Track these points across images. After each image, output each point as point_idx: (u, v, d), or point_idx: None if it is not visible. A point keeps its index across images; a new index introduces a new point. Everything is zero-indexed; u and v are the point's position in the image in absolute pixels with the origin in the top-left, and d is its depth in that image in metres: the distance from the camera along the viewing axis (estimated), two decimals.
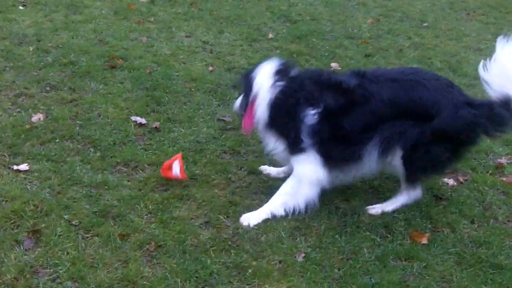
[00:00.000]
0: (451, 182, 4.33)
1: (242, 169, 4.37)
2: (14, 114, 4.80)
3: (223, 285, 3.27)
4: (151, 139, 4.65)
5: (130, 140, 4.59)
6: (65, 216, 3.67)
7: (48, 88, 5.27)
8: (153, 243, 3.51)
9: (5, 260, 3.31)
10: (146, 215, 3.77)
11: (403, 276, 3.43)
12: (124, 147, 4.49)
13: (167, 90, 5.43)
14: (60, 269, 3.27)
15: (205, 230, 3.69)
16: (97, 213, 3.73)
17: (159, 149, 4.50)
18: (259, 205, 3.92)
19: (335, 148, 3.79)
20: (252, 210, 3.86)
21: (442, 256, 3.62)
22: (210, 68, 6.05)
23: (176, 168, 4.02)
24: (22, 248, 3.41)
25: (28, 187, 3.92)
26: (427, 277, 3.44)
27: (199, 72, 5.91)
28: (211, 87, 5.62)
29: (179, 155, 4.12)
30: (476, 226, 3.94)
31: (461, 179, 4.40)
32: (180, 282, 3.24)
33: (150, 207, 3.83)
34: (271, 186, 4.12)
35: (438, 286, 3.39)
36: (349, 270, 3.42)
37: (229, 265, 3.41)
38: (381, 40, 7.35)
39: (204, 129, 4.88)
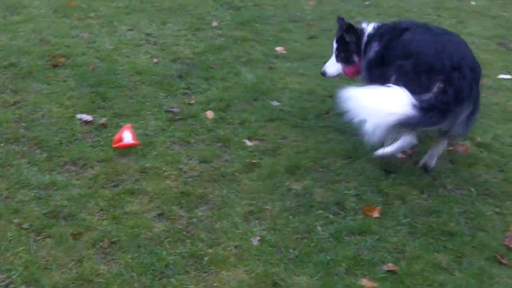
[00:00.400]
0: (399, 155, 4.41)
1: (193, 158, 4.36)
2: None
3: (179, 275, 3.26)
4: (98, 135, 4.58)
5: (77, 139, 4.51)
6: (15, 220, 3.60)
7: None
8: (106, 240, 3.48)
9: None
10: (98, 212, 3.72)
11: (358, 250, 3.49)
12: (71, 146, 4.41)
13: (112, 85, 5.36)
14: (13, 274, 3.20)
15: (158, 222, 3.67)
16: (48, 214, 3.67)
17: (107, 145, 4.44)
18: (212, 193, 3.94)
19: None
20: (205, 199, 3.87)
21: (394, 228, 3.69)
22: (155, 60, 5.99)
23: (128, 136, 4.11)
24: None
25: None
26: (381, 249, 3.51)
27: (143, 64, 5.86)
28: (157, 79, 5.57)
29: (128, 125, 4.16)
30: (426, 196, 4.03)
31: (409, 151, 4.48)
32: (136, 276, 3.23)
33: (101, 204, 3.79)
34: (223, 173, 4.14)
35: (392, 257, 3.46)
36: (304, 249, 3.47)
37: (185, 255, 3.41)
38: (324, 22, 7.41)
39: (152, 121, 4.83)
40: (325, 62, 4.87)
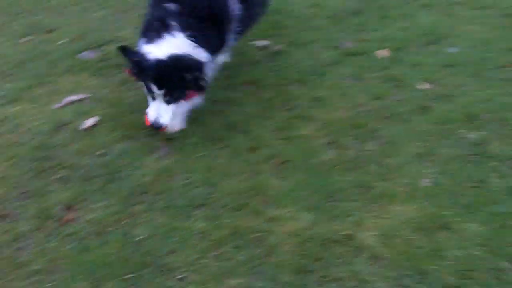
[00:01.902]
0: None
1: (365, 94, 4.35)
2: None
3: (348, 201, 3.33)
4: (274, 61, 4.71)
5: (255, 62, 4.69)
6: (198, 128, 3.84)
7: None
8: (279, 157, 3.62)
9: (143, 164, 3.53)
10: (272, 132, 3.87)
11: None
12: (249, 68, 4.59)
13: (288, 15, 5.45)
14: (195, 175, 3.45)
15: (329, 149, 3.74)
16: (227, 126, 3.88)
17: (282, 71, 4.56)
18: (383, 129, 3.93)
19: None
20: (375, 135, 3.87)
21: None
22: None
23: None
24: (158, 154, 3.62)
25: None
26: None
27: None
28: (332, 13, 5.58)
29: None
30: None
31: None
32: (306, 194, 3.34)
33: (276, 124, 3.93)
34: (394, 112, 4.10)
35: None
36: (477, 198, 3.36)
37: (354, 184, 3.45)
38: None
39: (325, 54, 4.87)
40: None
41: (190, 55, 3.51)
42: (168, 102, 3.58)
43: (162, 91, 3.52)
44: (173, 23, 3.50)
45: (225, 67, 4.52)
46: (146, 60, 3.45)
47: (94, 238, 3.02)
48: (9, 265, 2.85)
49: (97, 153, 3.59)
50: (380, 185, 3.45)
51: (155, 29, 3.51)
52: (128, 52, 3.54)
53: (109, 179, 3.41)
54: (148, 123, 3.63)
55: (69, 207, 3.21)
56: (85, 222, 3.11)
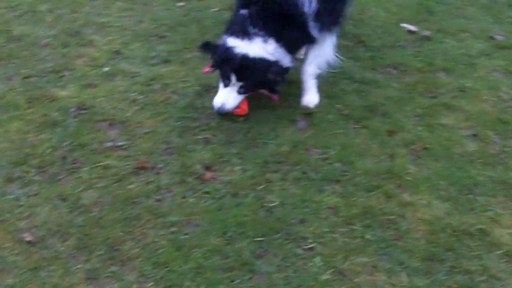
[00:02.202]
0: None
1: None
2: None
3: (486, 196, 3.22)
4: (420, 46, 4.61)
5: (400, 45, 4.60)
6: (336, 106, 3.86)
7: None
8: (419, 144, 3.56)
9: (281, 134, 3.61)
10: (413, 117, 3.80)
11: None
12: (393, 51, 4.52)
13: (440, 1, 5.29)
14: (330, 151, 3.48)
15: (471, 142, 3.63)
16: (366, 107, 3.86)
17: (428, 57, 4.45)
18: None
19: None
20: None
21: None
22: None
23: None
24: (296, 127, 3.69)
25: None
26: None
27: None
28: (486, 3, 5.35)
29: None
30: None
31: None
32: (444, 185, 3.26)
33: (417, 110, 3.86)
34: None
35: None
36: None
37: (495, 179, 3.33)
38: None
39: (476, 44, 4.69)
40: None
41: (277, 61, 3.60)
42: (239, 93, 3.67)
43: (239, 83, 3.62)
44: (257, 23, 3.56)
45: (369, 48, 4.50)
46: (233, 52, 3.55)
47: (230, 198, 3.15)
48: (148, 214, 3.04)
49: (240, 118, 3.71)
50: None
51: (242, 26, 3.59)
52: (212, 46, 3.71)
53: (248, 144, 3.52)
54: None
55: (208, 167, 3.36)
56: (222, 183, 3.25)
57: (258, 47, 3.56)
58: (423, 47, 4.58)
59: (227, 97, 3.66)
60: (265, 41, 3.56)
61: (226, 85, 3.65)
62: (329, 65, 3.92)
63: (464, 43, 4.67)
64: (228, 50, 3.58)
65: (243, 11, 3.61)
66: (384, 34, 4.71)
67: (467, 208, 3.13)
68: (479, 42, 4.73)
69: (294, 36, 3.66)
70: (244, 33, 3.57)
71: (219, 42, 3.70)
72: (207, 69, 3.86)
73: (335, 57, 3.93)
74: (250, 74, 3.59)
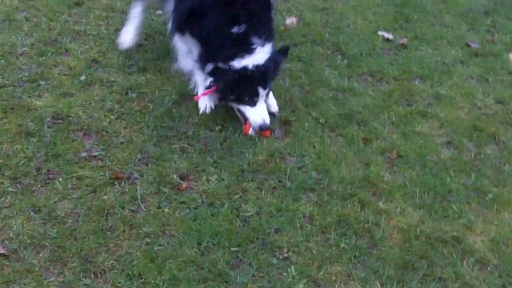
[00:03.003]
0: None
1: (489, 96, 4.21)
2: None
3: (461, 204, 3.26)
4: (397, 54, 4.65)
5: (377, 53, 4.63)
6: (313, 114, 3.87)
7: None
8: (394, 151, 3.58)
9: (257, 143, 3.61)
10: (389, 125, 3.83)
11: None
12: (370, 59, 4.55)
13: (417, 9, 5.34)
14: (306, 160, 3.49)
15: (446, 149, 3.67)
16: (343, 115, 3.88)
17: (404, 65, 4.49)
18: (505, 135, 3.80)
19: None
20: (496, 139, 3.75)
21: None
22: None
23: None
24: (272, 136, 3.69)
25: (281, 83, 4.17)
26: None
27: None
28: (462, 11, 5.42)
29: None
30: None
31: None
32: (419, 192, 3.29)
33: (393, 118, 3.89)
34: None
35: None
36: None
37: (469, 187, 3.38)
38: None
39: (451, 52, 4.74)
40: None
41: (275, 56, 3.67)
42: (265, 101, 3.69)
43: (266, 91, 3.64)
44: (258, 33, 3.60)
45: (346, 56, 4.53)
46: (250, 70, 3.55)
47: (205, 208, 3.14)
48: (123, 225, 3.02)
49: (216, 128, 3.71)
50: (495, 190, 3.35)
51: (237, 45, 3.59)
52: (222, 70, 3.65)
53: (225, 153, 3.52)
54: (247, 132, 3.69)
55: (184, 177, 3.35)
56: (198, 192, 3.24)
57: (260, 53, 3.59)
58: (400, 55, 4.62)
59: (264, 112, 3.64)
60: (262, 45, 3.60)
61: (255, 102, 3.64)
62: None
63: (440, 51, 4.73)
64: (243, 70, 3.57)
65: (235, 29, 3.61)
66: (361, 42, 4.74)
67: (441, 215, 3.17)
68: (454, 49, 4.79)
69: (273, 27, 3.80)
70: (246, 49, 3.58)
71: (224, 68, 3.65)
72: (202, 93, 3.82)
73: None
74: (270, 78, 3.64)
